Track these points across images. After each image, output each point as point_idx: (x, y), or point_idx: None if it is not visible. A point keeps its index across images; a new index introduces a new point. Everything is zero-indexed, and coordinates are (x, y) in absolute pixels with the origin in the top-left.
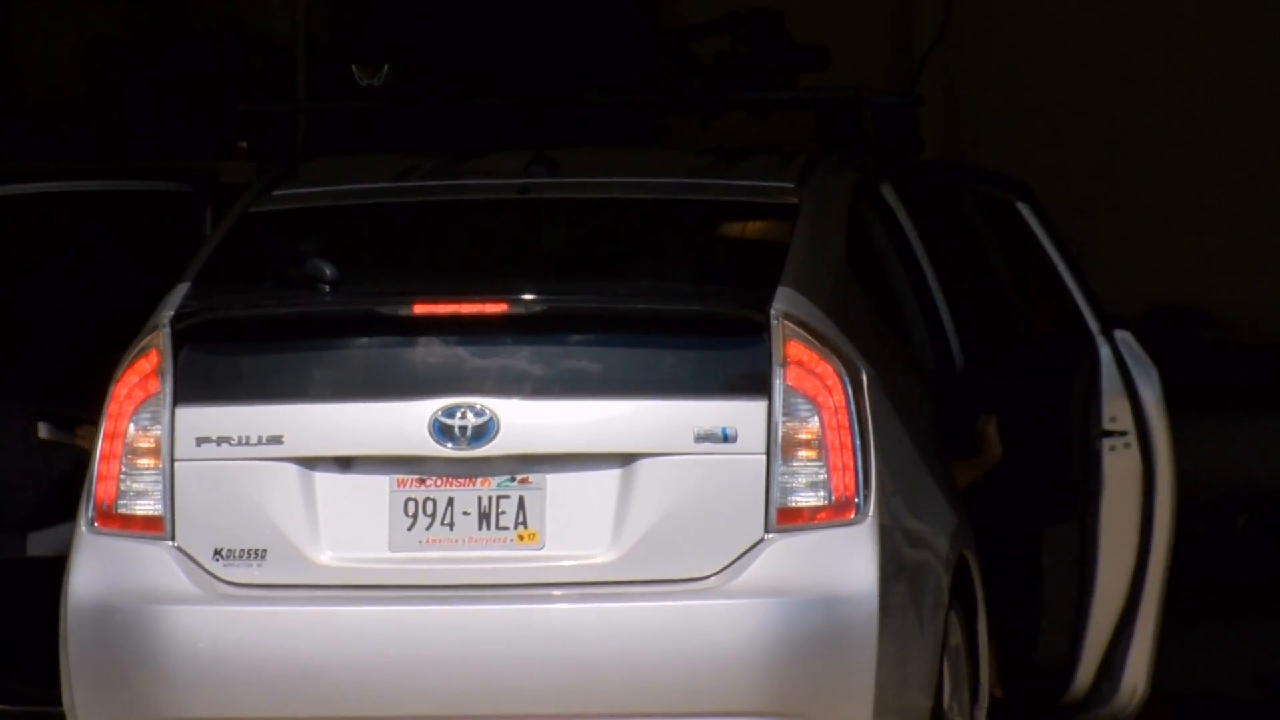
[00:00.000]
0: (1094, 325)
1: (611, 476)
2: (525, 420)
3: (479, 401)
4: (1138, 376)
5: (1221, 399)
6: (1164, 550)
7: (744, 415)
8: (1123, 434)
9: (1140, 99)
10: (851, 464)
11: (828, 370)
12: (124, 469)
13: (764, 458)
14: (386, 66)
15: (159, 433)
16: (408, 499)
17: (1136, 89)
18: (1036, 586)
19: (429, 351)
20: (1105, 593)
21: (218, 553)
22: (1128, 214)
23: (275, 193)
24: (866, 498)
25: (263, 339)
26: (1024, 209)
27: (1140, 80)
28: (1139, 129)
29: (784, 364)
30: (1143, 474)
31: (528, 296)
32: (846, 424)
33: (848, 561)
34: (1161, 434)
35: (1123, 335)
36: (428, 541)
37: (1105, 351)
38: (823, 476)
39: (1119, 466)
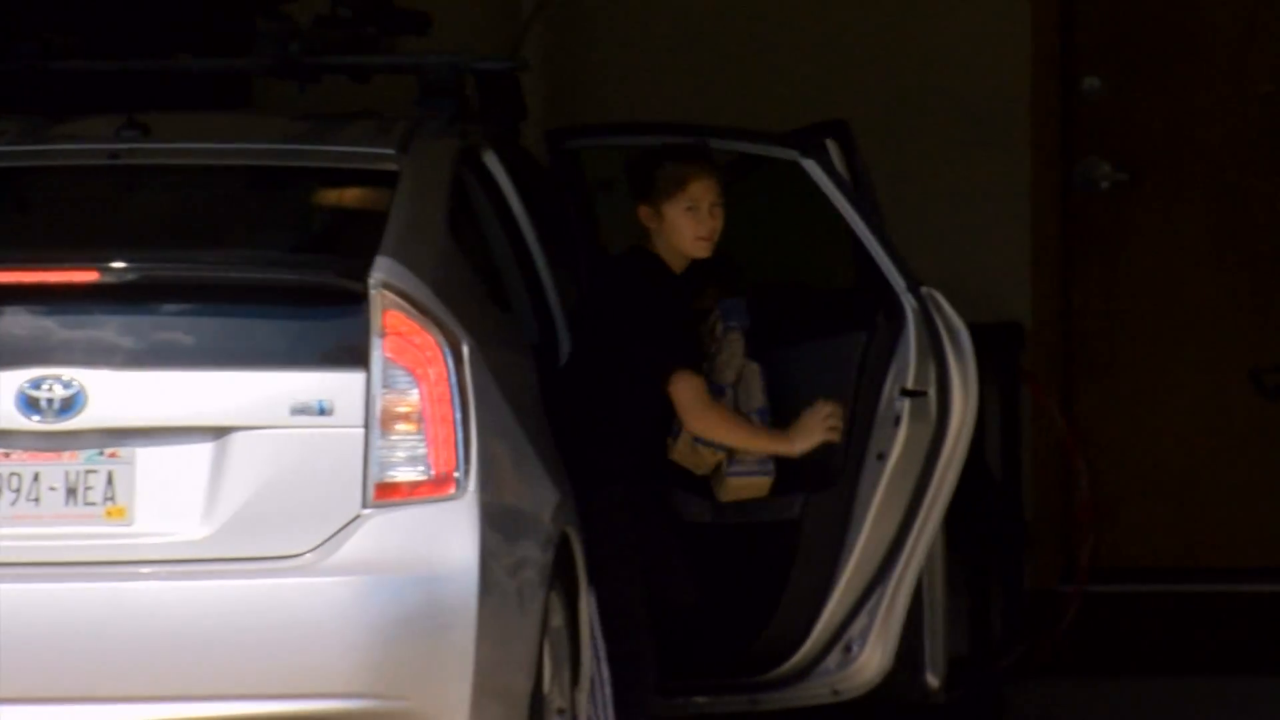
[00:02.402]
0: (899, 283)
1: (204, 450)
2: (115, 392)
3: (66, 373)
4: (944, 336)
5: None
6: (933, 518)
7: (341, 388)
8: (923, 393)
9: (758, 61)
10: (452, 438)
11: (428, 341)
12: None
13: (362, 431)
14: None
15: None
16: None
17: (754, 51)
18: (792, 555)
19: (15, 322)
20: (861, 559)
21: None
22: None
23: None
24: (467, 473)
25: None
26: (809, 166)
27: (758, 42)
28: (758, 93)
29: (382, 335)
30: (932, 438)
31: (118, 265)
32: (447, 397)
33: (447, 538)
34: (960, 397)
35: (929, 293)
36: (14, 518)
37: (911, 310)
38: (422, 451)
39: (914, 429)
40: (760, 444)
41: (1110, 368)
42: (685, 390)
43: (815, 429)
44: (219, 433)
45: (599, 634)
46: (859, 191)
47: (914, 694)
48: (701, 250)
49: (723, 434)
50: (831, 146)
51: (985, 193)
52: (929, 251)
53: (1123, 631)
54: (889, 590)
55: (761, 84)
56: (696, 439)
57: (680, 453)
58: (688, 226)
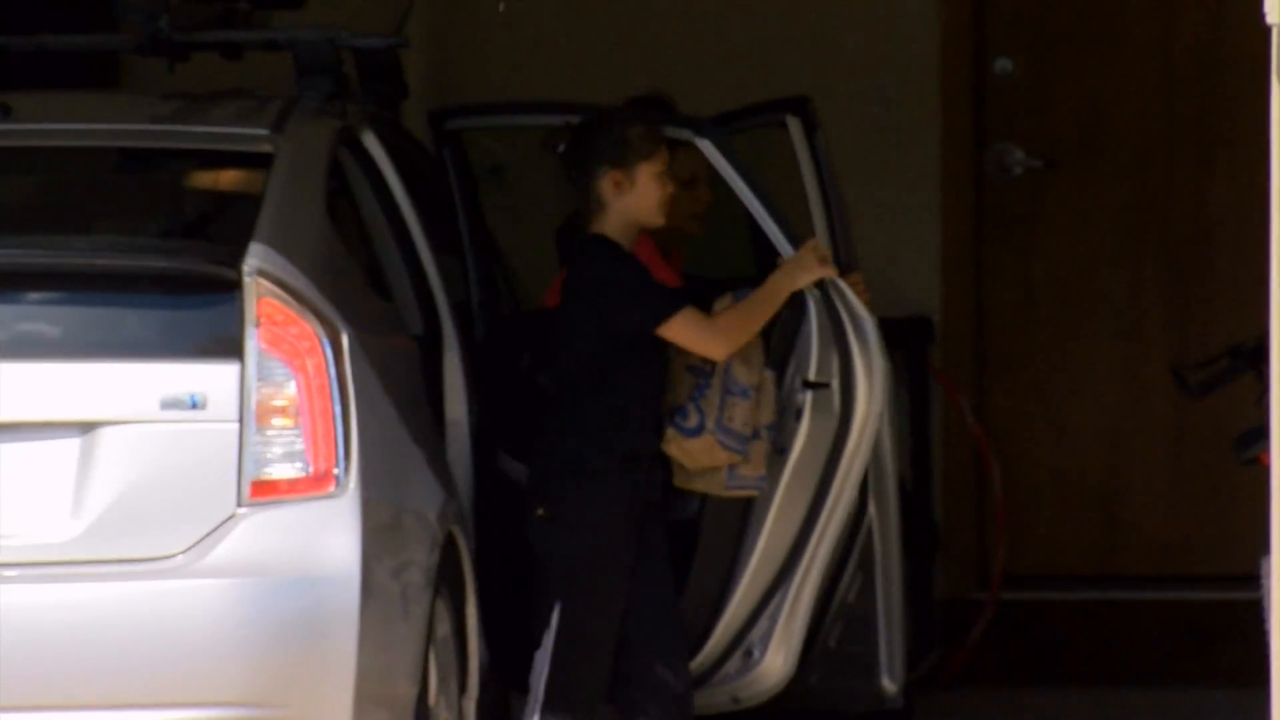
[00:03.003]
0: None
1: (70, 447)
2: None
3: None
4: (848, 325)
5: None
6: (837, 516)
7: (214, 380)
8: (825, 385)
9: (650, 40)
10: (331, 433)
11: (305, 331)
12: None
13: (236, 426)
14: None
15: None
16: None
17: (646, 30)
18: (690, 555)
19: None
20: (762, 559)
21: None
22: None
23: None
24: (347, 469)
25: None
26: (705, 146)
27: (650, 20)
28: (649, 73)
29: (257, 325)
30: (836, 432)
31: None
32: (326, 390)
33: (327, 538)
34: (865, 389)
35: (832, 281)
36: None
37: (813, 299)
38: (300, 446)
39: (817, 423)
40: (776, 302)
41: (1025, 364)
42: (689, 321)
43: (811, 264)
44: (85, 428)
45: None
46: (819, 173)
47: (869, 700)
48: (659, 218)
49: (743, 326)
50: (793, 123)
51: (892, 180)
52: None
53: (1039, 641)
54: (791, 592)
55: (653, 64)
56: (722, 440)
57: (695, 449)
58: (656, 191)
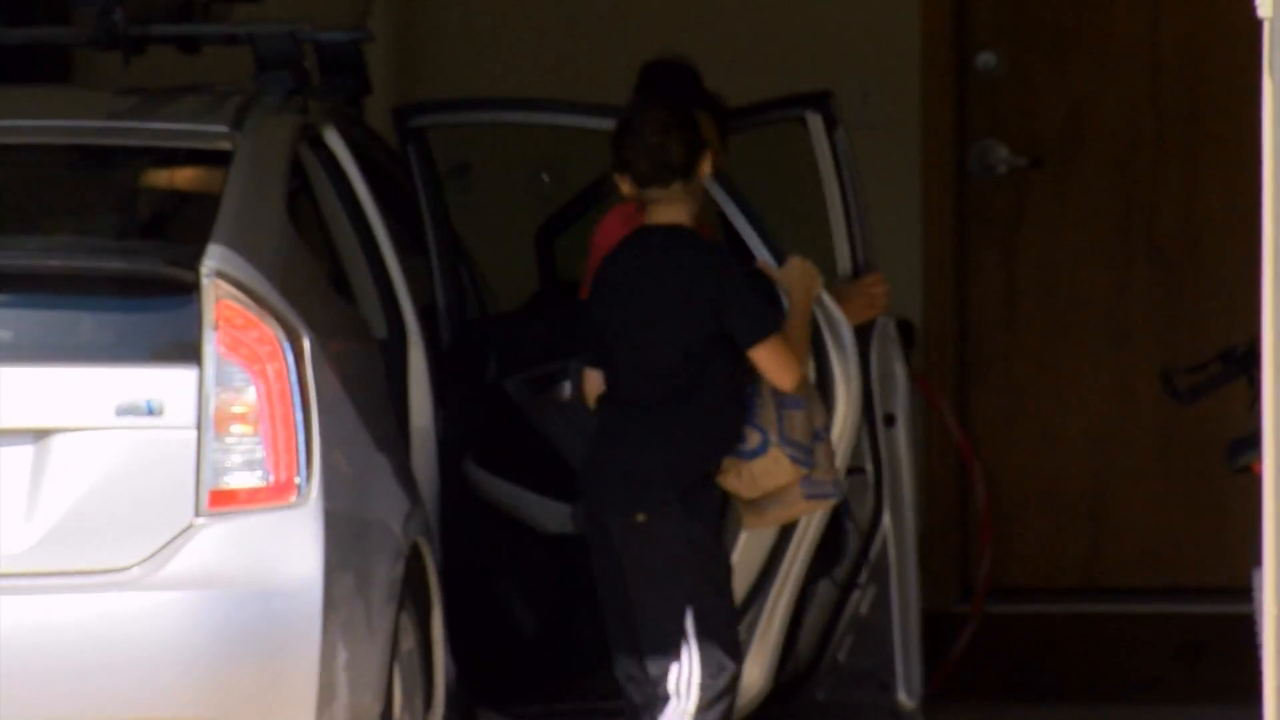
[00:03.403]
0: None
1: (23, 454)
2: None
3: None
4: (825, 330)
5: None
6: (814, 525)
7: (172, 385)
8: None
9: (623, 34)
10: (292, 441)
11: (266, 335)
12: None
13: (194, 433)
14: None
15: None
16: None
17: (619, 24)
18: None
19: None
20: (739, 570)
21: None
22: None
23: None
24: (309, 478)
25: None
26: None
27: (623, 14)
28: (622, 69)
29: (215, 328)
30: None
31: None
32: (287, 396)
33: (288, 549)
34: (843, 396)
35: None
36: None
37: (788, 303)
38: (260, 454)
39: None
40: (808, 319)
41: (1009, 368)
42: (778, 345)
43: (811, 270)
44: (38, 435)
45: None
46: (839, 169)
47: (883, 716)
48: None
49: (804, 354)
50: (812, 119)
51: (873, 178)
52: (809, 242)
53: (1023, 655)
54: (767, 606)
55: (628, 62)
56: (791, 454)
57: (759, 470)
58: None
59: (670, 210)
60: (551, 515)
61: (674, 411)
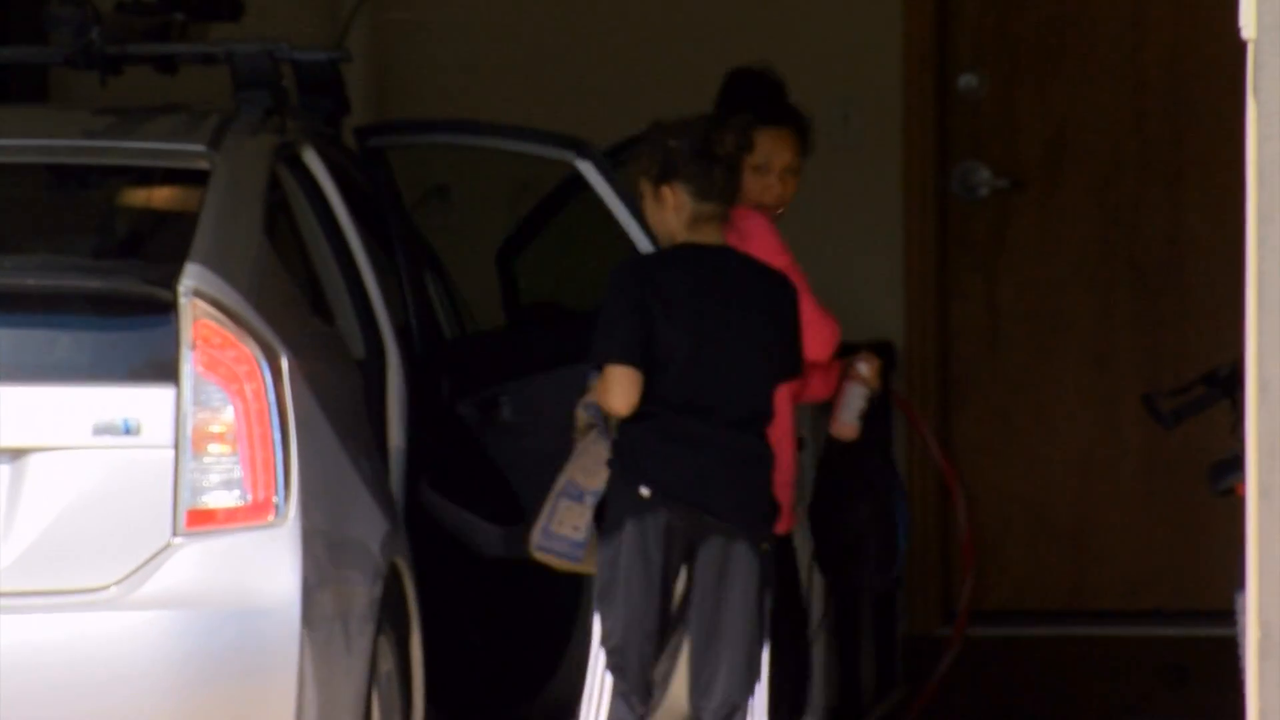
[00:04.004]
0: None
1: None
2: None
3: None
4: None
5: None
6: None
7: (149, 405)
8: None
9: (604, 55)
10: (270, 460)
11: (244, 355)
12: None
13: (172, 452)
14: None
15: None
16: None
17: (599, 45)
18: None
19: None
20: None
21: None
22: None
23: None
24: (287, 498)
25: None
26: (583, 167)
27: (603, 35)
28: (583, 88)
29: (193, 347)
30: None
31: None
32: (265, 415)
33: (266, 569)
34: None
35: None
36: None
37: None
38: (238, 474)
39: None
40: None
41: (991, 391)
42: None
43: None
44: (15, 454)
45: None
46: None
47: None
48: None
49: None
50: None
51: (854, 200)
52: None
53: (1006, 679)
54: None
55: (605, 82)
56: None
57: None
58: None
59: (718, 230)
60: (487, 539)
61: (762, 440)
